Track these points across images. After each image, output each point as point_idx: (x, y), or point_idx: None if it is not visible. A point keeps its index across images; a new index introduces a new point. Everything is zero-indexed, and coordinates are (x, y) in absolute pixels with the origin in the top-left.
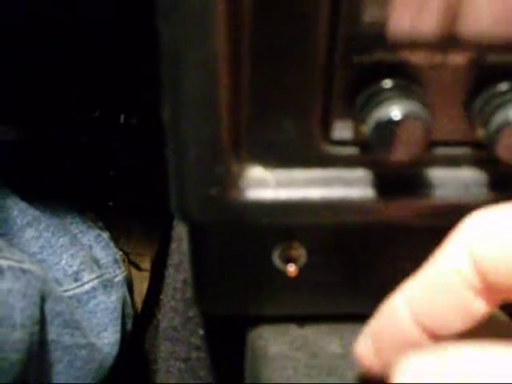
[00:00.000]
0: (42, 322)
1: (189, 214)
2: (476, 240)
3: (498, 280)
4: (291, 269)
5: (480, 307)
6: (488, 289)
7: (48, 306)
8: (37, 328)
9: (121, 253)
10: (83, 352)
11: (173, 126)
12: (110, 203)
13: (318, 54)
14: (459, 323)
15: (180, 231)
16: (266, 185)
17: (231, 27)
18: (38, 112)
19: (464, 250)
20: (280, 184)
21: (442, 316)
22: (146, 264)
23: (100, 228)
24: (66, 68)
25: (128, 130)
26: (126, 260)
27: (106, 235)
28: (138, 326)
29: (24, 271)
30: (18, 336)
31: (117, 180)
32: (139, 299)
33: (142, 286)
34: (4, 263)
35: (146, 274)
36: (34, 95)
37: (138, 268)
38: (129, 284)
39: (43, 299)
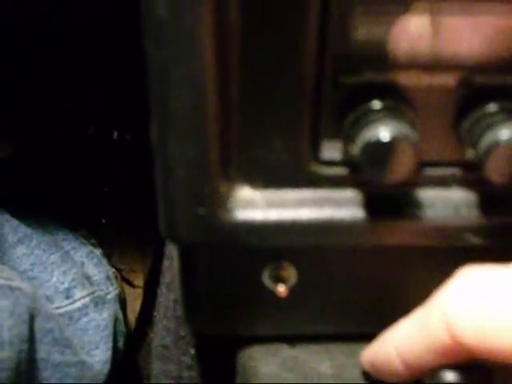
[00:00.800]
0: (31, 339)
1: (177, 235)
2: (454, 310)
3: (474, 347)
4: (281, 289)
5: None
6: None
7: (37, 324)
8: (25, 346)
9: (113, 270)
10: (73, 370)
11: (160, 144)
12: (103, 220)
13: (307, 74)
14: (435, 365)
15: (172, 249)
16: (254, 205)
17: (219, 46)
18: (31, 128)
19: (441, 320)
20: (269, 204)
21: (420, 358)
22: (140, 281)
23: (93, 245)
24: (60, 81)
25: (122, 146)
26: (119, 277)
27: (98, 252)
28: (132, 344)
29: (12, 289)
30: (6, 354)
31: (110, 197)
32: (132, 316)
33: (135, 302)
34: None
35: (140, 291)
36: (26, 111)
37: (131, 285)
38: (121, 301)
39: (32, 317)
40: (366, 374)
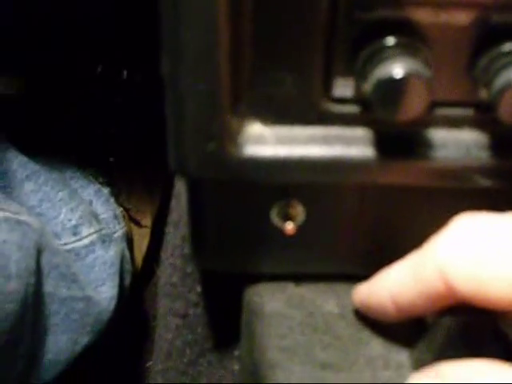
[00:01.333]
0: (38, 273)
1: (186, 170)
2: (448, 257)
3: (467, 295)
4: (289, 227)
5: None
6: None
7: (44, 258)
8: (33, 279)
9: (121, 209)
10: (80, 305)
11: (171, 79)
12: (112, 159)
13: (321, 9)
14: (427, 309)
15: (180, 187)
16: (264, 141)
17: None
18: (41, 66)
19: (435, 267)
20: (279, 141)
21: (412, 302)
22: (147, 221)
23: (101, 183)
24: (70, 21)
25: (130, 85)
26: (127, 216)
27: (106, 190)
28: (139, 283)
29: (20, 223)
30: (14, 287)
31: (119, 136)
32: (139, 256)
33: (142, 242)
34: (0, 215)
35: (147, 231)
36: (37, 47)
37: (139, 224)
38: (129, 240)
39: (39, 251)
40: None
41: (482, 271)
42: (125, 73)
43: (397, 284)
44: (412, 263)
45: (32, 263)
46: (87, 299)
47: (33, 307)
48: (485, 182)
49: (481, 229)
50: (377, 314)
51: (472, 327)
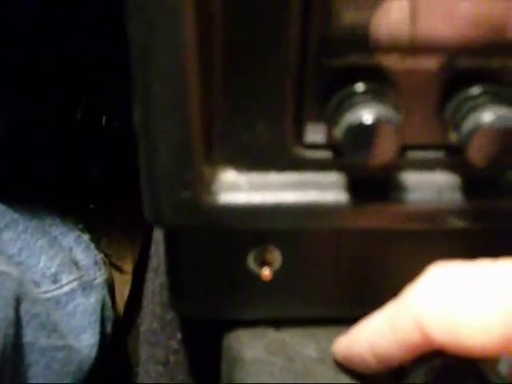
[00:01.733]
0: (18, 324)
1: (161, 218)
2: (424, 308)
3: (444, 344)
4: (266, 272)
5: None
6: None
7: (23, 308)
8: (11, 330)
9: (102, 255)
10: (60, 354)
11: (143, 128)
12: (92, 205)
13: (291, 57)
14: (406, 358)
15: (159, 234)
16: (238, 189)
17: (201, 28)
18: (19, 113)
19: (412, 318)
20: (253, 188)
21: (390, 353)
22: (128, 267)
23: (80, 230)
24: (48, 68)
25: (110, 131)
26: (108, 263)
27: (86, 237)
28: (120, 330)
29: None
30: None
31: (98, 182)
32: (121, 302)
33: (124, 288)
34: None
35: (128, 277)
36: (14, 96)
37: (120, 271)
38: (110, 287)
39: (18, 301)
40: None
41: (458, 320)
42: (104, 119)
43: (375, 335)
44: (389, 314)
45: (11, 313)
46: (68, 348)
47: (12, 358)
48: (458, 223)
49: (455, 278)
50: (358, 367)
51: (452, 368)
